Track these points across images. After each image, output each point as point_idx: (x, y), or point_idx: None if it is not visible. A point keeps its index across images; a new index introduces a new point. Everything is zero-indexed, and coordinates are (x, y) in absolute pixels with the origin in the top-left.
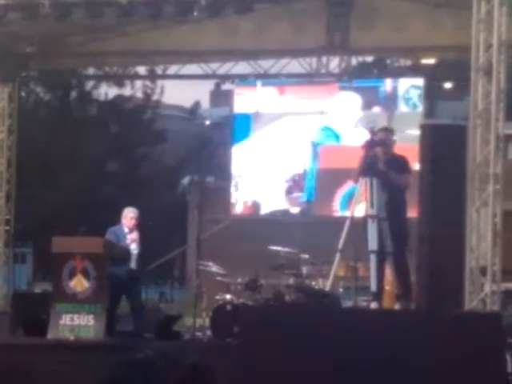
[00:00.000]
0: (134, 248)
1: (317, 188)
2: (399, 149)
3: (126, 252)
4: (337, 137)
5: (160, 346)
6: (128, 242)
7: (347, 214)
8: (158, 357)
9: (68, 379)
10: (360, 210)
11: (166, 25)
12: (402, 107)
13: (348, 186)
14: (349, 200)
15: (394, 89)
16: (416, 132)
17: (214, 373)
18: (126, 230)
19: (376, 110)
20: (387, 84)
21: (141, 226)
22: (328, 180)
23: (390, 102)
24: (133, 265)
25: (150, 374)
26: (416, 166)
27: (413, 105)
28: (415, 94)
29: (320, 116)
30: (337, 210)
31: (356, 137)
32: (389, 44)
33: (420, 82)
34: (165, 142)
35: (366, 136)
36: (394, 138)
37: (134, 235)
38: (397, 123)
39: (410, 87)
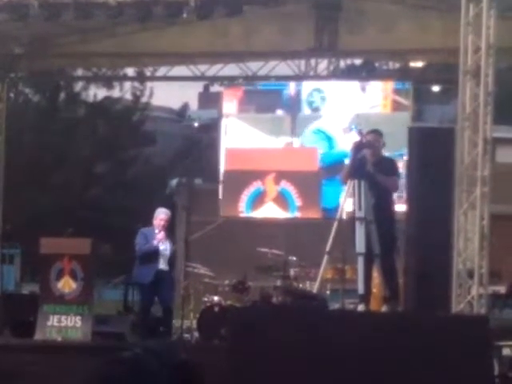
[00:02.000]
0: (164, 249)
1: (223, 189)
2: (302, 151)
3: (153, 251)
4: (329, 139)
5: (148, 345)
6: (155, 242)
7: (252, 214)
8: (146, 355)
9: (55, 380)
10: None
11: (155, 26)
12: (305, 110)
13: (254, 187)
14: (254, 201)
15: (298, 92)
16: None
17: (203, 371)
18: (156, 230)
19: (279, 112)
20: (291, 87)
21: (169, 227)
22: (234, 181)
23: (293, 105)
24: (163, 265)
25: (138, 372)
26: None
27: (315, 108)
28: (318, 98)
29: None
30: (242, 211)
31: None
32: (377, 46)
33: (322, 85)
34: (153, 143)
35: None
36: (383, 140)
37: (161, 235)
38: (300, 126)
39: (312, 91)
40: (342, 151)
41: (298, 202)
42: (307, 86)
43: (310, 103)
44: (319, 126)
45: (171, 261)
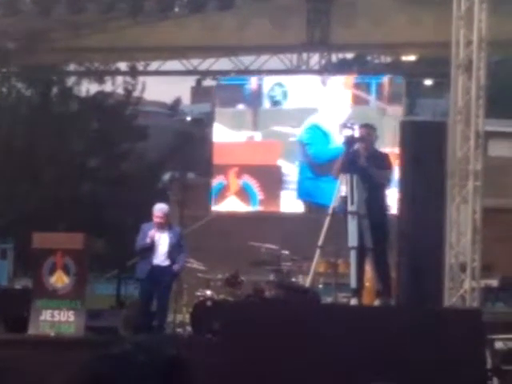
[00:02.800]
0: (161, 243)
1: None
2: (264, 145)
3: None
4: (326, 135)
5: (138, 340)
6: (148, 240)
7: (215, 208)
8: (136, 350)
9: (48, 375)
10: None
11: (147, 21)
12: (267, 104)
13: (216, 181)
14: (217, 195)
15: (259, 86)
16: (280, 128)
17: (194, 366)
18: (155, 226)
19: (241, 107)
20: (252, 82)
21: (168, 224)
22: None
23: (254, 99)
24: (159, 260)
25: (127, 368)
26: (280, 161)
27: (277, 102)
28: (279, 92)
29: None
30: None
31: None
32: (369, 40)
33: (283, 79)
34: (146, 138)
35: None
36: (375, 134)
37: (152, 233)
38: (261, 120)
39: (274, 85)
40: (338, 147)
41: (259, 196)
42: (268, 81)
43: (272, 97)
44: (315, 122)
45: (173, 253)
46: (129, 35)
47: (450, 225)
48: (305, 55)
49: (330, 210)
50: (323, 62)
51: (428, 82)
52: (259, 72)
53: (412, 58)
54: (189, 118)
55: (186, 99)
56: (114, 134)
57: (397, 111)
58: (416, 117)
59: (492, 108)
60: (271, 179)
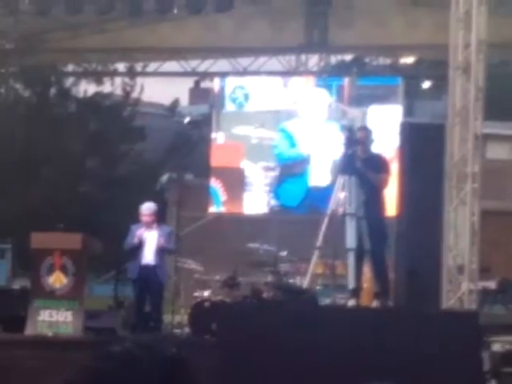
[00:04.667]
0: (148, 242)
1: None
2: (226, 147)
3: (136, 248)
4: (290, 137)
5: (138, 339)
6: (135, 240)
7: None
8: (136, 348)
9: (45, 375)
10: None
11: (145, 22)
12: (229, 106)
13: None
14: None
15: (221, 88)
16: (241, 131)
17: (192, 367)
18: (143, 226)
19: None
20: (215, 83)
21: (157, 222)
22: None
23: (216, 101)
24: (148, 260)
25: (128, 367)
26: (243, 163)
27: (239, 104)
28: (241, 94)
29: None
30: None
31: None
32: (367, 42)
33: (244, 81)
34: (144, 139)
35: None
36: (373, 137)
37: (139, 233)
38: (223, 122)
39: (236, 87)
40: (298, 153)
41: (222, 197)
42: (230, 83)
43: (234, 100)
44: (284, 125)
45: (161, 252)
46: (127, 36)
47: (447, 227)
48: (303, 57)
49: (328, 211)
50: (322, 63)
51: (426, 84)
52: (257, 73)
53: (410, 60)
54: (187, 120)
55: (184, 100)
56: (111, 134)
57: (357, 114)
58: (415, 119)
59: (490, 110)
60: (234, 181)
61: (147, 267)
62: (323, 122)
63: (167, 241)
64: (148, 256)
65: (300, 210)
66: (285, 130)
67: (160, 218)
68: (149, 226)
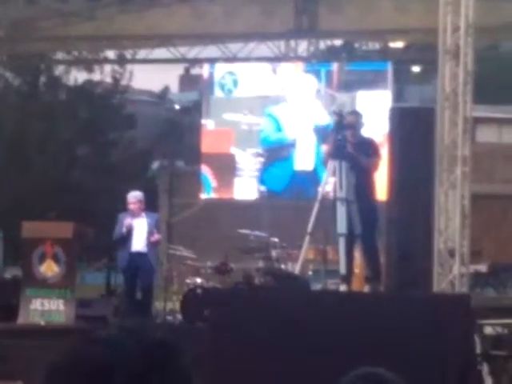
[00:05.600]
0: (138, 231)
1: None
2: (216, 133)
3: (125, 236)
4: (276, 122)
5: (125, 324)
6: (124, 229)
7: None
8: (122, 334)
9: (37, 364)
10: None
11: (135, 9)
12: (218, 92)
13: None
14: None
15: (211, 75)
16: (231, 117)
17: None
18: (130, 215)
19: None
20: (204, 70)
21: (145, 209)
22: None
23: (206, 87)
24: (138, 247)
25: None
26: (233, 149)
27: (228, 90)
28: (230, 80)
29: None
30: None
31: None
32: (357, 27)
33: (234, 67)
34: (134, 126)
35: None
36: (362, 121)
37: (127, 221)
38: (213, 108)
39: (225, 73)
40: (283, 137)
41: (213, 183)
42: (220, 69)
43: (222, 86)
44: (271, 110)
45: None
46: (117, 23)
47: (438, 210)
48: (293, 42)
49: (319, 196)
50: (311, 49)
51: (416, 69)
52: (247, 59)
53: (400, 44)
54: (177, 107)
55: (174, 87)
56: (102, 122)
57: (346, 99)
58: (404, 103)
59: (480, 94)
60: (224, 167)
61: (137, 255)
62: (310, 107)
63: (156, 226)
64: (137, 244)
65: (285, 195)
66: (271, 115)
67: (149, 205)
68: (136, 213)
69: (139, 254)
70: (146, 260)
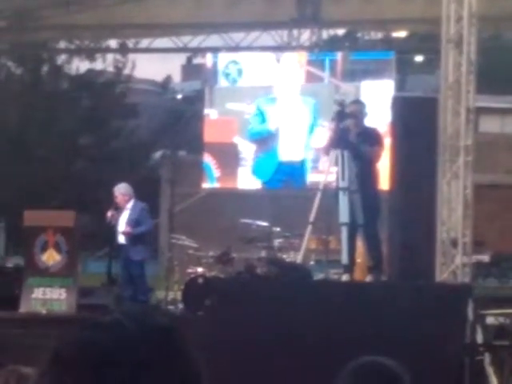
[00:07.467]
0: (120, 224)
1: None
2: (220, 123)
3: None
4: (261, 114)
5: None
6: (107, 221)
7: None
8: (125, 319)
9: (40, 353)
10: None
11: None
12: (222, 82)
13: None
14: None
15: (214, 64)
16: (235, 107)
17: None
18: (113, 208)
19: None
20: (207, 59)
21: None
22: None
23: (209, 76)
24: (121, 240)
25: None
26: (236, 138)
27: (232, 80)
28: (234, 70)
29: None
30: None
31: None
32: (360, 17)
33: (238, 57)
34: (136, 116)
35: None
36: (366, 110)
37: (108, 214)
38: (217, 98)
39: (229, 62)
40: (266, 129)
41: (216, 173)
42: (223, 58)
43: (227, 75)
44: (259, 101)
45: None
46: (119, 12)
47: (441, 200)
48: (295, 32)
49: (321, 186)
50: (314, 38)
51: (419, 58)
52: (250, 48)
53: (403, 34)
54: (180, 96)
55: (177, 77)
56: (104, 111)
57: (350, 88)
58: (407, 93)
59: (483, 84)
60: (228, 156)
61: (121, 247)
62: (296, 97)
63: (139, 216)
64: (120, 236)
65: (271, 185)
66: (258, 107)
67: (151, 195)
68: (122, 206)
69: (122, 246)
70: (128, 251)
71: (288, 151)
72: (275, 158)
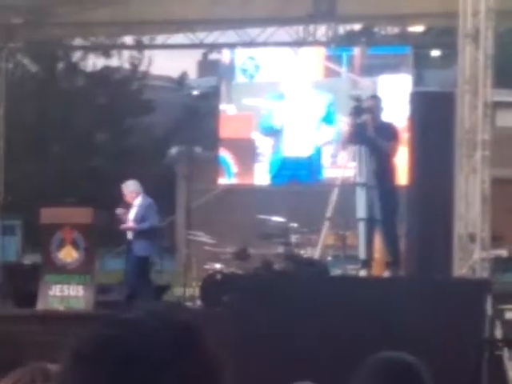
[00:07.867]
0: (128, 220)
1: None
2: (237, 118)
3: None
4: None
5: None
6: (117, 216)
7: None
8: (147, 315)
9: (57, 350)
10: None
11: None
12: (239, 78)
13: None
14: None
15: (232, 60)
16: (252, 102)
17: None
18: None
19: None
20: (224, 55)
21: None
22: None
23: (227, 72)
24: (129, 236)
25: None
26: (254, 134)
27: (250, 76)
28: (252, 65)
29: None
30: None
31: None
32: (376, 11)
33: (255, 52)
34: (152, 112)
35: None
36: (382, 105)
37: (119, 210)
38: (234, 93)
39: (246, 58)
40: (271, 125)
41: (234, 169)
42: (241, 54)
43: (244, 71)
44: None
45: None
46: (135, 9)
47: (458, 195)
48: (311, 27)
49: (339, 181)
50: (330, 33)
51: (435, 53)
52: (265, 44)
53: (419, 28)
54: (195, 92)
55: (193, 73)
56: (120, 108)
57: (368, 83)
58: (425, 88)
59: (500, 78)
60: (245, 152)
61: (129, 243)
62: (308, 91)
63: (144, 212)
64: (129, 232)
65: (276, 181)
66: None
67: (166, 191)
68: (130, 202)
69: (129, 242)
70: (132, 247)
71: (293, 147)
72: (279, 153)
